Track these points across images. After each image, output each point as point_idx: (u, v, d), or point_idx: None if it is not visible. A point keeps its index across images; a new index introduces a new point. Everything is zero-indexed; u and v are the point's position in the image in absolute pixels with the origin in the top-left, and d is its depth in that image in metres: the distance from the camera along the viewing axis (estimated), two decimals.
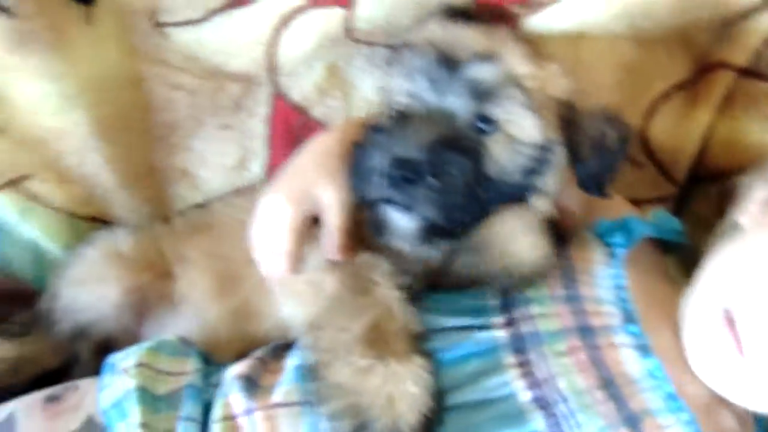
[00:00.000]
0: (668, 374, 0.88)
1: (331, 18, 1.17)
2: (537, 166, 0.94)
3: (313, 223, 1.00)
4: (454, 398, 0.87)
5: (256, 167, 1.28)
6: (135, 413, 0.94)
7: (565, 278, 0.95)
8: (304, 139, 1.21)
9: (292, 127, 1.25)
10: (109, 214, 1.29)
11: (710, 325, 0.89)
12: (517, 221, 0.94)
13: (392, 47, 1.18)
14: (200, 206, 1.30)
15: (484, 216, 0.92)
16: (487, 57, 0.92)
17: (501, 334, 0.91)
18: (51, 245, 1.27)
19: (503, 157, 0.92)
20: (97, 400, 0.99)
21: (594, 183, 0.96)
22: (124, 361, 1.01)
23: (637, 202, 1.17)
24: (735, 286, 0.89)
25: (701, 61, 1.19)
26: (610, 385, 0.87)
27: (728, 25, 1.17)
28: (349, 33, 1.18)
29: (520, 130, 0.92)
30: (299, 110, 1.24)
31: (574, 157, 0.95)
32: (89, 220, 1.29)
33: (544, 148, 0.94)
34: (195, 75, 1.22)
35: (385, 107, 0.99)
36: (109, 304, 1.17)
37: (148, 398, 0.96)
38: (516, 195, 0.94)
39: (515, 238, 0.93)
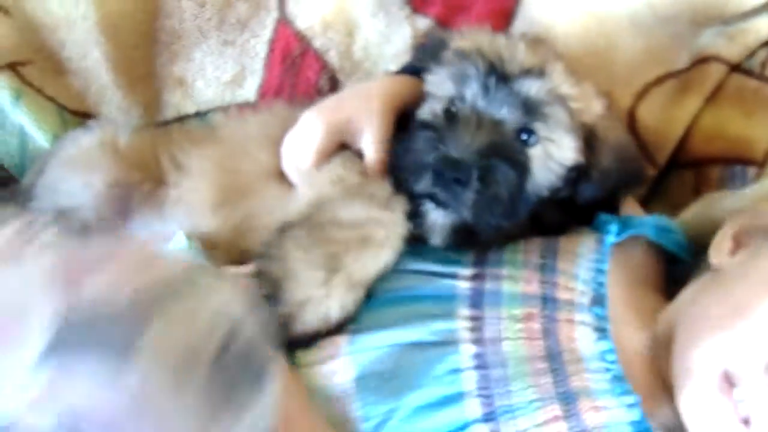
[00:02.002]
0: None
1: None
2: (563, 185, 0.99)
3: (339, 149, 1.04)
4: (400, 334, 0.89)
5: (250, 86, 1.30)
6: None
7: (545, 249, 0.96)
8: (298, 67, 1.26)
9: (290, 54, 1.27)
10: (100, 113, 1.31)
11: (709, 386, 0.83)
12: None
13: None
14: (194, 117, 1.32)
15: (513, 226, 0.96)
16: (537, 73, 0.96)
17: (463, 285, 0.92)
18: (39, 134, 1.27)
19: (539, 173, 0.96)
20: None
21: (591, 204, 1.01)
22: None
23: None
24: (731, 343, 0.83)
25: (698, 53, 1.21)
26: (554, 358, 0.86)
27: (728, 24, 1.20)
28: None
29: (558, 150, 0.97)
30: (301, 38, 1.27)
31: (582, 178, 1.00)
32: (80, 116, 1.30)
33: (572, 170, 0.99)
34: None
35: (427, 103, 1.02)
36: (92, 193, 1.18)
37: None
38: (537, 209, 0.98)
39: None
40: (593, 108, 1.00)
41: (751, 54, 1.20)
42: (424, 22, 1.25)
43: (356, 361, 0.88)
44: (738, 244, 0.94)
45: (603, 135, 1.00)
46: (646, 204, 1.24)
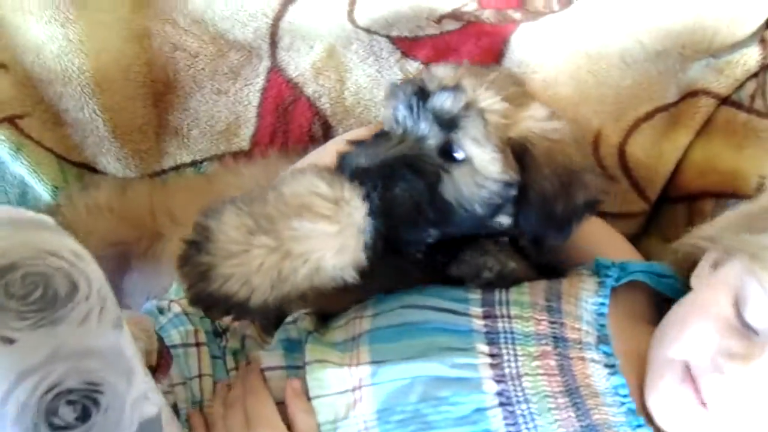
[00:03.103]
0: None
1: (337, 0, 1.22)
2: (502, 202, 0.98)
3: None
4: (419, 368, 0.90)
5: (245, 134, 1.31)
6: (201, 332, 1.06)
7: (549, 292, 0.98)
8: (291, 114, 1.28)
9: (282, 102, 1.29)
10: (99, 163, 1.32)
11: (671, 379, 0.89)
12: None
13: (390, 38, 1.23)
14: (190, 165, 1.34)
15: (433, 236, 0.97)
16: (450, 87, 0.97)
17: (478, 322, 0.94)
18: (40, 185, 1.29)
19: (466, 187, 0.96)
20: None
21: (534, 233, 0.99)
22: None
23: (606, 216, 1.19)
24: (689, 341, 0.89)
25: (687, 87, 1.23)
26: (574, 393, 0.89)
27: (716, 56, 1.21)
28: (351, 17, 1.23)
29: (482, 164, 0.96)
30: (293, 86, 1.29)
31: (520, 201, 0.98)
32: (78, 166, 1.32)
33: (507, 186, 0.97)
34: (199, 39, 1.28)
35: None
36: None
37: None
38: (479, 225, 0.98)
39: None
40: (523, 123, 0.98)
41: (740, 86, 1.21)
42: (414, 66, 1.26)
43: (378, 392, 0.90)
44: (715, 268, 0.96)
45: (540, 154, 0.97)
46: (641, 238, 1.25)
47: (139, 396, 0.77)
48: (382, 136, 0.99)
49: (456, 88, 0.97)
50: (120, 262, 1.22)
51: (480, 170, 0.96)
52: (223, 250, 0.88)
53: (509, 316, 0.94)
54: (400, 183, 0.93)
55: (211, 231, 0.89)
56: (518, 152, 0.97)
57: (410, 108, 0.98)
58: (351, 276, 0.91)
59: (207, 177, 1.29)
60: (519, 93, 1.01)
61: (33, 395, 0.68)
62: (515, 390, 0.88)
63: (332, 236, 0.89)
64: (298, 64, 1.28)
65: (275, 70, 1.28)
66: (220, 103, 1.30)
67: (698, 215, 1.19)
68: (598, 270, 1.02)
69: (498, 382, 0.89)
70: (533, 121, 0.99)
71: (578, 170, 0.99)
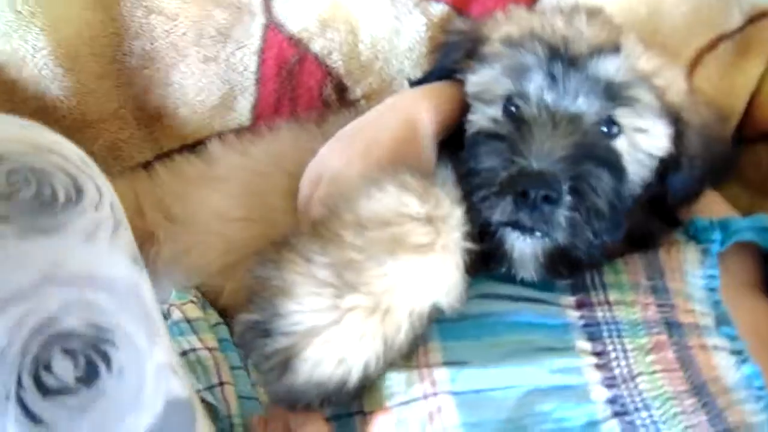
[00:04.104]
0: None
1: None
2: (654, 179, 0.84)
3: None
4: (512, 375, 0.73)
5: (243, 107, 1.13)
6: (209, 338, 0.87)
7: (649, 268, 0.83)
8: (297, 77, 1.10)
9: (285, 63, 1.11)
10: None
11: None
12: None
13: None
14: (180, 152, 1.13)
15: (616, 240, 0.81)
16: (611, 49, 0.81)
17: (573, 314, 0.78)
18: None
19: (631, 167, 0.82)
20: None
21: (682, 198, 0.88)
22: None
23: None
24: None
25: (751, 10, 1.10)
26: (701, 391, 0.74)
27: None
28: None
29: (646, 139, 0.83)
30: (296, 43, 1.10)
31: (669, 169, 0.86)
32: None
33: (664, 161, 0.84)
34: None
35: (475, 108, 0.87)
36: None
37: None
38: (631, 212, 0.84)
39: None
40: (678, 84, 0.86)
41: None
42: (438, 8, 1.10)
43: (462, 403, 0.72)
44: None
45: (688, 116, 0.86)
46: (720, 187, 1.12)
47: (164, 364, 0.59)
48: (518, 122, 0.79)
49: (617, 48, 0.80)
50: None
51: (641, 146, 0.82)
52: (304, 326, 0.68)
53: (608, 303, 0.79)
54: (593, 183, 0.75)
55: (277, 302, 0.69)
56: (672, 119, 0.84)
57: (552, 77, 0.80)
58: (456, 308, 0.73)
59: (206, 159, 1.08)
60: (641, 39, 0.86)
61: (16, 335, 0.50)
62: (630, 395, 0.74)
63: (436, 271, 0.70)
64: (300, 17, 1.09)
65: (272, 27, 1.09)
66: (209, 72, 1.09)
67: None
68: (697, 234, 0.87)
69: (609, 387, 0.74)
70: (680, 80, 0.86)
71: (715, 125, 0.88)
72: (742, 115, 1.11)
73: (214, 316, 0.93)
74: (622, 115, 0.81)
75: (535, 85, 0.81)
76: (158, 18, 1.06)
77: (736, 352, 0.77)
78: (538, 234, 0.76)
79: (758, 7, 1.10)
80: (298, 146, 0.96)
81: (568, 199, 0.74)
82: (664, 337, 0.77)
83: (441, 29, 1.07)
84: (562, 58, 0.80)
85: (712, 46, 1.09)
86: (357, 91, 1.12)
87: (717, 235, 0.85)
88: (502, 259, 0.78)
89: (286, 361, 0.68)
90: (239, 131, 1.12)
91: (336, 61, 1.10)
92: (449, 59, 0.94)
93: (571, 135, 0.77)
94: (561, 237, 0.76)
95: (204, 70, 1.09)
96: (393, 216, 0.71)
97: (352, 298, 0.68)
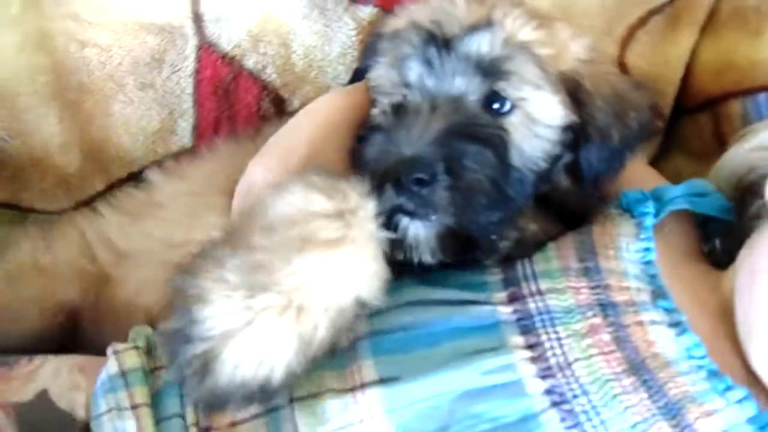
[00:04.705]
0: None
1: None
2: (561, 152, 0.85)
3: None
4: (444, 383, 0.74)
5: (184, 130, 1.13)
6: (137, 392, 0.82)
7: (582, 250, 0.83)
8: (234, 94, 1.11)
9: (221, 82, 1.11)
10: (22, 200, 1.13)
11: None
12: None
13: None
14: (128, 180, 1.14)
15: (512, 215, 0.81)
16: (482, 26, 0.82)
17: (504, 310, 0.78)
18: None
19: (526, 142, 0.82)
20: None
21: (601, 170, 0.87)
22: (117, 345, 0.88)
23: None
24: None
25: None
26: (640, 369, 0.74)
27: None
28: None
29: (539, 109, 0.82)
30: (229, 62, 1.11)
31: (580, 141, 0.86)
32: (3, 207, 1.12)
33: (565, 130, 0.84)
34: (109, 29, 1.07)
35: (377, 102, 0.88)
36: (29, 330, 1.02)
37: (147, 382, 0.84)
38: (541, 186, 0.84)
39: None
40: (570, 51, 0.86)
41: None
42: (366, 11, 1.10)
43: (395, 421, 0.73)
44: None
45: (591, 84, 0.85)
46: (664, 157, 1.15)
47: None
48: (398, 111, 0.81)
49: (489, 24, 0.81)
50: (68, 325, 1.04)
51: (538, 118, 0.82)
52: (220, 329, 0.68)
53: (540, 292, 0.79)
54: (468, 162, 0.75)
55: (193, 308, 0.69)
56: (571, 88, 0.83)
57: (428, 62, 0.81)
58: (379, 300, 0.72)
59: (146, 191, 1.09)
60: (533, 12, 0.86)
61: None
62: (568, 383, 0.73)
63: (350, 264, 0.70)
64: (232, 35, 1.09)
65: (205, 47, 1.09)
66: (147, 99, 1.10)
67: (726, 120, 1.08)
68: (630, 206, 0.86)
69: (544, 378, 0.74)
70: (576, 48, 0.85)
71: (626, 92, 0.87)
72: (679, 86, 1.11)
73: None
74: (506, 89, 0.81)
75: (415, 72, 0.83)
76: (92, 50, 1.07)
77: (674, 324, 0.76)
78: (423, 216, 0.77)
79: None
80: (232, 164, 0.97)
81: (444, 179, 0.74)
82: (599, 320, 0.76)
83: (369, 31, 1.08)
84: (437, 43, 0.81)
85: (643, 21, 1.10)
86: (295, 102, 1.12)
87: (650, 207, 0.85)
88: (401, 245, 0.78)
89: (205, 365, 0.68)
90: (182, 153, 1.12)
91: (271, 75, 1.11)
92: (366, 57, 0.96)
93: (449, 115, 0.78)
94: (445, 217, 0.77)
95: (142, 98, 1.10)
96: (300, 215, 0.71)
97: (264, 298, 0.68)
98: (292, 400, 0.75)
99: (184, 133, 1.13)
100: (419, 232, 0.78)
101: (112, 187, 1.14)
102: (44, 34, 1.05)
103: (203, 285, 0.70)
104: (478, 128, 0.79)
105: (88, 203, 1.14)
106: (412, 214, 0.77)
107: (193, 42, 1.09)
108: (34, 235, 1.08)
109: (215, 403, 0.71)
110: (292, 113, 1.10)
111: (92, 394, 0.84)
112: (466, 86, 0.80)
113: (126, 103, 1.10)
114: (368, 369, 0.75)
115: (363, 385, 0.74)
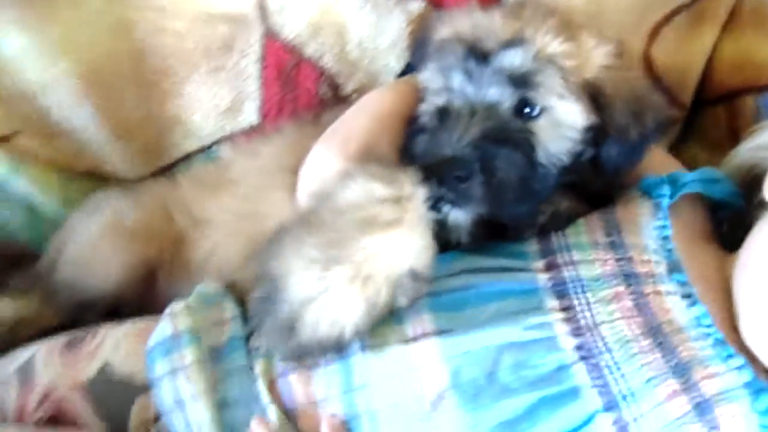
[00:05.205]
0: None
1: None
2: (583, 148, 0.95)
3: None
4: (491, 336, 0.85)
5: (250, 109, 1.24)
6: (188, 352, 0.94)
7: (607, 226, 0.93)
8: (295, 79, 1.21)
9: (284, 68, 1.21)
10: (104, 168, 1.26)
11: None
12: None
13: None
14: (199, 152, 1.27)
15: (540, 205, 0.93)
16: (515, 42, 0.91)
17: (542, 277, 0.89)
18: (45, 202, 1.24)
19: (551, 143, 0.92)
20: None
21: (622, 162, 0.97)
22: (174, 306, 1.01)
23: None
24: None
25: None
26: (657, 332, 0.84)
27: None
28: None
29: (564, 114, 0.92)
30: (291, 49, 1.20)
31: (600, 138, 0.96)
32: (83, 175, 1.26)
33: (587, 131, 0.94)
34: (183, 18, 1.19)
35: (425, 103, 0.98)
36: (113, 283, 1.14)
37: (202, 341, 0.96)
38: (564, 179, 0.94)
39: None
40: (593, 61, 0.95)
41: None
42: (415, 5, 1.18)
43: (450, 366, 0.85)
44: None
45: (611, 89, 0.95)
46: (680, 146, 1.22)
47: None
48: (443, 114, 0.92)
49: (522, 41, 0.91)
50: (146, 282, 1.17)
51: (563, 122, 0.92)
52: (301, 295, 0.82)
53: (573, 263, 0.89)
54: (500, 163, 0.87)
55: (278, 279, 0.83)
56: (593, 93, 0.93)
57: (468, 73, 0.91)
58: (429, 269, 0.85)
59: (222, 166, 1.20)
60: (563, 24, 0.95)
61: None
62: (594, 341, 0.84)
63: (405, 241, 0.83)
64: (293, 26, 1.19)
65: (270, 36, 1.20)
66: (218, 81, 1.21)
67: (739, 115, 1.15)
68: (649, 190, 0.96)
69: (575, 335, 0.84)
70: (599, 57, 0.95)
71: (644, 95, 0.97)
72: (700, 79, 1.18)
73: (228, 311, 1.01)
74: (536, 97, 0.91)
75: (457, 81, 0.92)
76: (169, 37, 1.18)
77: (686, 296, 0.86)
78: (461, 205, 0.89)
79: None
80: (296, 145, 1.07)
81: (480, 176, 0.86)
82: (622, 288, 0.86)
83: (418, 24, 1.16)
84: (476, 56, 0.91)
85: (668, 18, 1.16)
86: (348, 87, 1.22)
87: (666, 190, 0.94)
88: (444, 227, 0.91)
89: (290, 326, 0.82)
90: (249, 131, 1.24)
91: (328, 62, 1.20)
92: (415, 55, 1.07)
93: (485, 121, 0.88)
94: (480, 207, 0.88)
95: (213, 80, 1.21)
96: (364, 200, 0.83)
97: (337, 269, 0.81)
98: (364, 348, 0.88)
99: (250, 113, 1.23)
100: (458, 217, 0.90)
101: (185, 159, 1.27)
102: (127, 23, 1.17)
103: (286, 259, 0.83)
104: (510, 133, 0.89)
105: (163, 172, 1.27)
106: (452, 203, 0.88)
107: (258, 30, 1.19)
108: (117, 198, 1.19)
109: (298, 356, 0.85)
110: (346, 98, 1.22)
111: (146, 357, 0.97)
112: (500, 95, 0.90)
113: (199, 84, 1.21)
114: (428, 322, 0.87)
115: (424, 335, 0.86)
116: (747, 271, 0.88)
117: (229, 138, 1.25)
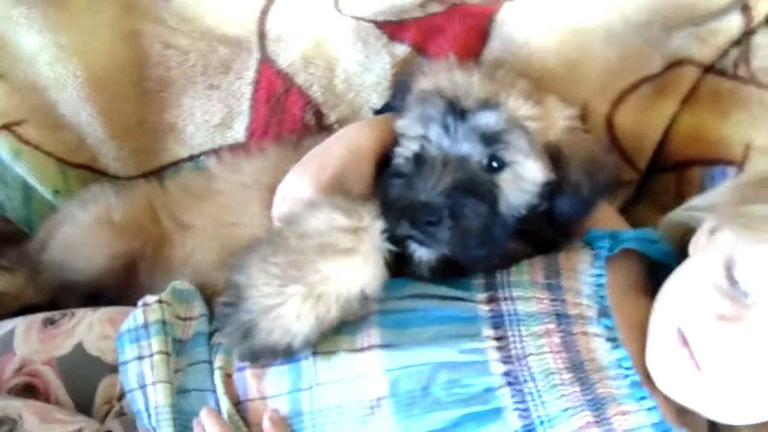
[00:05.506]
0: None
1: None
2: (540, 201, 1.04)
3: None
4: (430, 354, 0.94)
5: (239, 127, 1.33)
6: (155, 342, 1.02)
7: (548, 270, 1.01)
8: (283, 105, 1.30)
9: (274, 93, 1.30)
10: (99, 163, 1.35)
11: (667, 344, 0.92)
12: None
13: (375, 23, 1.25)
14: (188, 161, 1.36)
15: (497, 250, 1.01)
16: (491, 105, 1.00)
17: (483, 308, 0.98)
18: (41, 188, 1.33)
19: (513, 195, 1.02)
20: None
21: (572, 215, 1.07)
22: (148, 298, 1.08)
23: None
24: (682, 306, 0.93)
25: (671, 57, 1.23)
26: (579, 368, 0.92)
27: (698, 25, 1.21)
28: (337, 6, 1.25)
29: (526, 171, 1.02)
30: (283, 76, 1.29)
31: (555, 192, 1.05)
32: (79, 168, 1.35)
33: (545, 185, 1.03)
34: (188, 36, 1.29)
35: (400, 147, 1.07)
36: (97, 269, 1.23)
37: (168, 333, 1.04)
38: (518, 228, 1.03)
39: None
40: (556, 124, 1.05)
41: (723, 54, 1.21)
42: (401, 49, 1.26)
43: (390, 377, 0.94)
44: (712, 234, 0.98)
45: (569, 150, 1.04)
46: (633, 206, 1.28)
47: None
48: (419, 161, 1.01)
49: (496, 105, 1.00)
50: (127, 273, 1.25)
51: (525, 177, 1.02)
52: (260, 306, 0.92)
53: (512, 298, 0.98)
54: (467, 211, 0.96)
55: (243, 289, 0.94)
56: (553, 153, 1.03)
57: (446, 127, 1.00)
58: (377, 294, 0.95)
59: (207, 177, 1.29)
60: (531, 87, 1.05)
61: None
62: (521, 370, 0.92)
63: (358, 268, 0.93)
64: (288, 55, 1.28)
65: (265, 62, 1.29)
66: (213, 97, 1.31)
67: (687, 183, 1.22)
68: (592, 241, 1.05)
69: (505, 363, 0.93)
70: (562, 120, 1.05)
71: (600, 156, 1.07)
72: (657, 147, 1.24)
73: (197, 309, 1.10)
74: (504, 155, 1.00)
75: (435, 132, 1.01)
76: (173, 52, 1.29)
77: (611, 339, 0.94)
78: (428, 246, 0.98)
79: (677, 56, 1.22)
80: (276, 166, 1.16)
81: (448, 222, 0.95)
82: (553, 326, 0.95)
83: (401, 67, 1.25)
84: (455, 112, 1.00)
85: (635, 86, 1.22)
86: (332, 117, 1.30)
87: (607, 243, 1.03)
88: (408, 262, 1.00)
89: (247, 330, 0.93)
90: (234, 147, 1.32)
91: (316, 92, 1.28)
92: (395, 97, 1.16)
93: (457, 172, 0.97)
94: (444, 249, 0.97)
95: (209, 95, 1.31)
96: (325, 228, 0.94)
97: (294, 287, 0.92)
98: (315, 354, 0.97)
99: (239, 130, 1.32)
100: (423, 255, 0.99)
101: (174, 164, 1.36)
102: (136, 34, 1.28)
103: (251, 273, 0.94)
104: (478, 185, 0.98)
105: (152, 174, 1.36)
106: (420, 243, 0.98)
107: (256, 56, 1.29)
108: (110, 194, 1.28)
109: (252, 357, 0.96)
110: (328, 126, 1.30)
111: (117, 341, 1.05)
112: (472, 150, 0.99)
113: (195, 98, 1.31)
114: (376, 336, 0.96)
115: (371, 347, 0.95)
116: (654, 311, 0.96)
117: (217, 151, 1.33)
